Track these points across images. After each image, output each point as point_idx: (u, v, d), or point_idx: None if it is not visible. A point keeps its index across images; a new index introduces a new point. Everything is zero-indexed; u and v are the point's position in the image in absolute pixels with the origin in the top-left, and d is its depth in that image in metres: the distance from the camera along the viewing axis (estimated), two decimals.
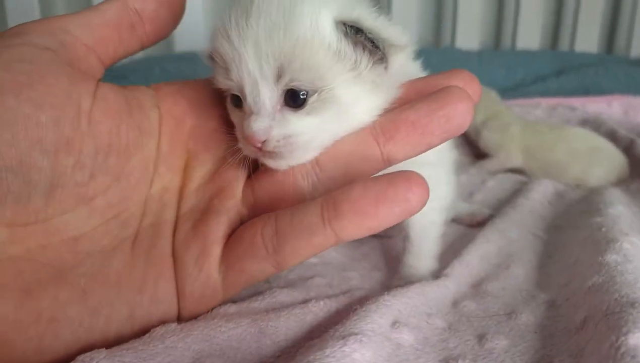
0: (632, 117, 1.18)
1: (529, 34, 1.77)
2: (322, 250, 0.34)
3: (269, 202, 0.38)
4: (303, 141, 0.35)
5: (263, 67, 0.33)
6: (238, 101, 0.36)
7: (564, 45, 1.80)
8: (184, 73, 1.52)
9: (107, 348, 0.32)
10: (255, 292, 0.44)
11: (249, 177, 0.40)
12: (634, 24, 1.68)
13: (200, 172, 0.40)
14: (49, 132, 0.32)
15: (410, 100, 0.36)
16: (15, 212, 0.32)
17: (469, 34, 1.78)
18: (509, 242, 0.57)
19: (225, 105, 0.40)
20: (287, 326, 0.38)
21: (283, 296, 0.43)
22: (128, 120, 0.37)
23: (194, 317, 0.37)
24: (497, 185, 0.81)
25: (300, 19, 0.33)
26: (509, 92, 1.46)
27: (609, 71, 1.45)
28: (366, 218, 0.32)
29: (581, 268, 0.46)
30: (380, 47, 0.34)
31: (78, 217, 0.34)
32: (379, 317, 0.37)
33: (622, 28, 1.73)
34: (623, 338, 0.31)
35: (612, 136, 1.04)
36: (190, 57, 1.59)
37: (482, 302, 0.44)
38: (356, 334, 0.34)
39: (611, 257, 0.44)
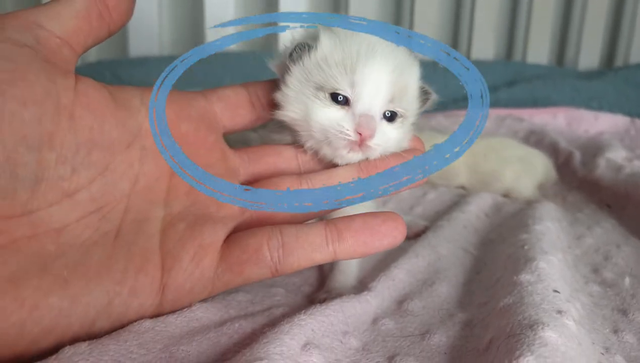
0: (574, 129, 1.22)
1: (484, 45, 1.81)
2: (318, 263, 0.41)
3: (267, 213, 0.44)
4: (387, 146, 0.46)
5: (388, 90, 0.45)
6: (335, 98, 0.44)
7: (517, 56, 1.84)
8: (135, 78, 1.49)
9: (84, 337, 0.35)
10: None
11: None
12: (582, 37, 1.73)
13: None
14: (32, 129, 0.33)
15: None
16: (1, 206, 0.33)
17: None
18: (438, 257, 0.58)
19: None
20: (200, 350, 0.38)
21: (201, 312, 0.42)
22: (112, 117, 0.38)
23: (175, 307, 0.40)
24: (437, 198, 0.83)
25: (413, 71, 0.48)
26: (461, 101, 1.49)
27: (556, 83, 1.49)
28: (363, 246, 0.41)
29: (500, 287, 0.47)
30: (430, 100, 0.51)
31: (62, 210, 0.36)
32: (290, 339, 0.37)
33: (571, 41, 1.78)
34: (515, 362, 0.32)
35: (553, 148, 1.08)
36: (142, 62, 1.56)
37: (401, 320, 0.45)
38: (261, 359, 0.33)
39: (525, 277, 0.45)
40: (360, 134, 0.43)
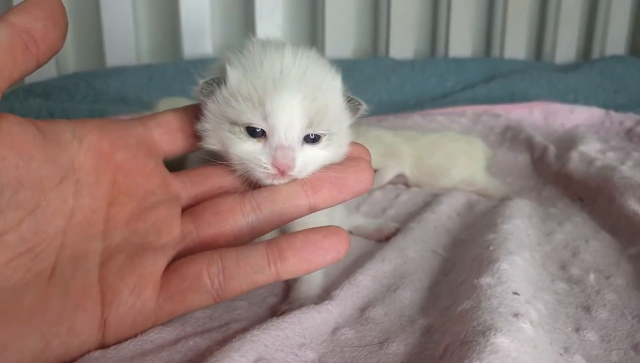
0: (550, 123, 1.22)
1: (462, 42, 1.81)
2: (261, 285, 0.41)
3: (210, 237, 0.43)
4: (314, 166, 0.45)
5: (302, 118, 0.43)
6: (252, 131, 0.44)
7: (495, 52, 1.85)
8: (112, 89, 1.48)
9: None
10: None
11: (183, 211, 0.44)
12: (558, 31, 1.74)
13: (130, 206, 0.42)
14: None
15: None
16: None
17: (404, 43, 1.80)
18: (405, 261, 0.57)
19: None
20: None
21: (155, 333, 0.41)
22: (41, 154, 0.37)
23: (120, 340, 0.39)
24: (409, 199, 0.82)
25: (330, 91, 0.45)
26: (439, 100, 1.49)
27: (533, 77, 1.49)
28: (306, 263, 0.41)
29: (462, 291, 0.47)
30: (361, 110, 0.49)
31: None
32: (240, 356, 0.36)
33: (548, 35, 1.79)
34: None
35: (529, 143, 1.07)
36: (119, 72, 1.55)
37: (361, 329, 0.44)
38: None
39: (485, 280, 0.44)
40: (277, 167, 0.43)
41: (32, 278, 0.36)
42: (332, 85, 0.46)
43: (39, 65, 0.38)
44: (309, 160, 0.44)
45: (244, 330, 0.41)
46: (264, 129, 0.43)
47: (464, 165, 0.90)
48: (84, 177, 0.40)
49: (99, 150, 0.41)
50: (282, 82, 0.43)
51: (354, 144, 0.48)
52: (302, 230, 0.42)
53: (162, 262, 0.40)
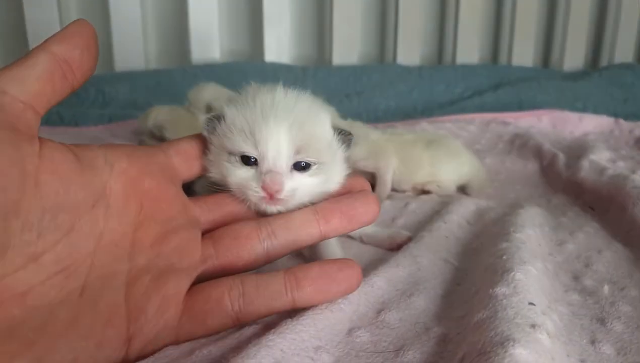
0: (559, 131, 1.22)
1: (470, 49, 1.81)
2: (278, 312, 0.43)
3: (229, 260, 0.46)
4: (303, 193, 0.48)
5: (289, 145, 0.47)
6: (247, 160, 0.48)
7: (503, 59, 1.85)
8: (120, 94, 1.49)
9: None
10: None
11: (202, 235, 0.47)
12: (567, 38, 1.74)
13: (154, 230, 0.44)
14: None
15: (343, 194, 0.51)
16: None
17: (411, 49, 1.81)
18: (419, 267, 0.57)
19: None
20: None
21: (171, 349, 0.41)
22: (78, 179, 0.38)
23: (141, 357, 0.40)
24: (418, 208, 0.82)
25: (316, 122, 0.50)
26: (447, 107, 1.49)
27: (541, 85, 1.49)
28: (320, 293, 0.43)
29: (477, 300, 0.46)
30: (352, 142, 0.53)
31: (27, 274, 0.35)
32: None
33: (556, 43, 1.78)
34: None
35: (537, 150, 1.07)
36: (127, 77, 1.56)
37: (377, 332, 0.44)
38: None
39: (500, 290, 0.44)
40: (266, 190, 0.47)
41: (65, 296, 0.37)
42: (321, 117, 0.50)
43: (73, 91, 0.41)
44: (297, 186, 0.48)
45: (258, 335, 0.41)
46: (255, 156, 0.47)
47: (438, 162, 0.92)
48: (114, 201, 0.41)
49: (129, 176, 0.43)
50: (270, 112, 0.47)
51: (355, 177, 0.52)
52: (317, 262, 0.45)
53: (185, 284, 0.42)
